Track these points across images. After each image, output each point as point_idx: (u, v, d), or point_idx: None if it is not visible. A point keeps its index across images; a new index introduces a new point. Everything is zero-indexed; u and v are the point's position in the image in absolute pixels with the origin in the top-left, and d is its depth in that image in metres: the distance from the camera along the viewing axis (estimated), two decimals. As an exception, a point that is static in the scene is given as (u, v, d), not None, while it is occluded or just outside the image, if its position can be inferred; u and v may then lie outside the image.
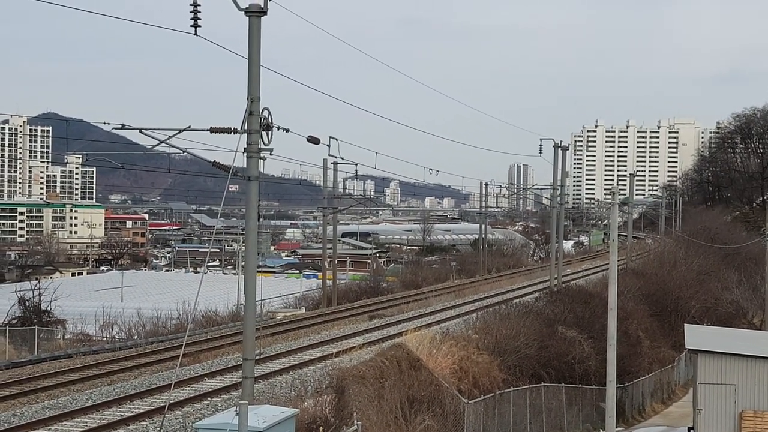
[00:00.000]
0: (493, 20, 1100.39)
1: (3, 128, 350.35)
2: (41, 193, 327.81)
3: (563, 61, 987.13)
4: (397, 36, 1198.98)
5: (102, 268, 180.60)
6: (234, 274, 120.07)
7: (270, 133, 24.00)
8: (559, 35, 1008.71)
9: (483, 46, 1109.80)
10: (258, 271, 25.63)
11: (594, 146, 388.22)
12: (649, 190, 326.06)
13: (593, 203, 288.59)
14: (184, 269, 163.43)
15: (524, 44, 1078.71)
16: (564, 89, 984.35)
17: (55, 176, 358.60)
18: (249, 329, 24.51)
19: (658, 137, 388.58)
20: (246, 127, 23.63)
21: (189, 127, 25.01)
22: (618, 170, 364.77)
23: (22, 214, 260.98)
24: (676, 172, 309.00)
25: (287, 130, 25.55)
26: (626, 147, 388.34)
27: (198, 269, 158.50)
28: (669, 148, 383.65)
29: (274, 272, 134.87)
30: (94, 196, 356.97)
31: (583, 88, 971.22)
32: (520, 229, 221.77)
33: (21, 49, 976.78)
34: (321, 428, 23.66)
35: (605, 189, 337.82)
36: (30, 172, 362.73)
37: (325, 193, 70.45)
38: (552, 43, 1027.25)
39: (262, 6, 23.77)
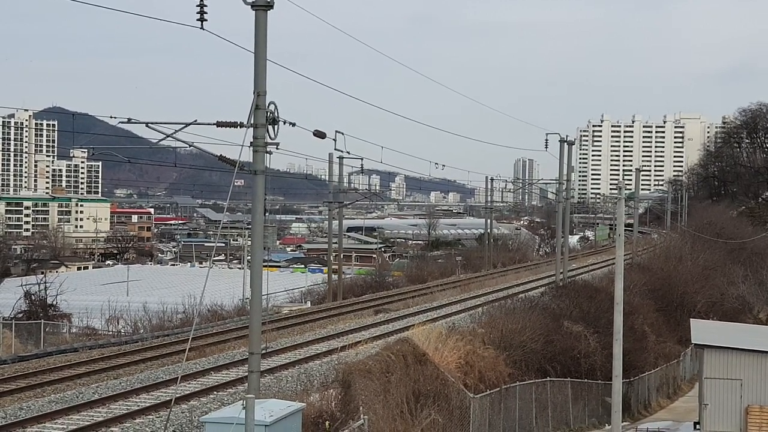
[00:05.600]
0: (500, 17, 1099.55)
1: (9, 122, 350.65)
2: (47, 188, 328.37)
3: (569, 57, 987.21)
4: (406, 32, 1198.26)
5: (107, 262, 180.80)
6: (239, 268, 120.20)
7: (276, 127, 23.95)
8: (566, 31, 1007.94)
9: (489, 42, 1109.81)
10: (263, 266, 25.61)
11: (600, 141, 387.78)
12: (654, 185, 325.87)
13: (599, 198, 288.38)
14: (189, 263, 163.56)
15: (530, 40, 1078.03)
16: (570, 84, 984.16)
17: (60, 170, 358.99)
18: (255, 323, 24.50)
19: (663, 132, 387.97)
20: (252, 122, 23.57)
21: (195, 121, 24.98)
22: (623, 165, 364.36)
23: (27, 208, 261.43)
24: (681, 167, 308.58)
25: (293, 125, 25.51)
26: (632, 142, 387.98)
27: (203, 263, 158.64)
28: (675, 142, 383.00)
29: (279, 267, 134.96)
30: (99, 190, 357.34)
31: (588, 83, 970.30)
32: (526, 224, 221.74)
33: (27, 45, 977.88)
34: (327, 422, 23.67)
35: (611, 184, 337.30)
36: (36, 166, 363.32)
37: (331, 188, 70.46)
38: (558, 39, 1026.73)
39: (269, 0, 23.72)
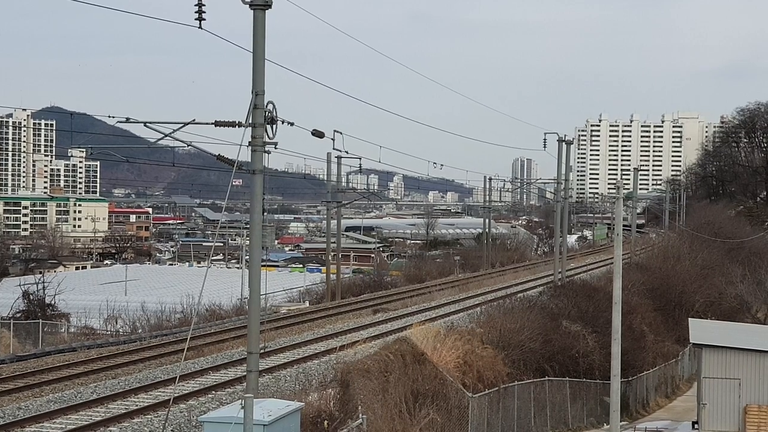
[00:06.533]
0: (499, 16, 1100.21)
1: (7, 122, 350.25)
2: (45, 187, 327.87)
3: (567, 56, 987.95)
4: (405, 31, 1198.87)
5: (106, 261, 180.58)
6: (238, 268, 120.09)
7: (275, 126, 23.93)
8: (564, 30, 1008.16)
9: (488, 41, 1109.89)
10: (262, 265, 25.59)
11: (598, 141, 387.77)
12: (653, 184, 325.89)
13: (597, 197, 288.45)
14: (187, 263, 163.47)
15: (528, 40, 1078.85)
16: (568, 84, 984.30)
17: (59, 170, 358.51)
18: (253, 323, 24.49)
19: (662, 132, 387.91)
20: (251, 121, 23.56)
21: (194, 120, 24.94)
22: (622, 165, 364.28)
23: (26, 208, 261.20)
24: (679, 166, 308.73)
25: (292, 124, 25.49)
26: (630, 141, 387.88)
27: (202, 263, 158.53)
28: (673, 142, 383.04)
29: (277, 266, 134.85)
30: (97, 189, 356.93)
31: (587, 82, 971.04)
32: (524, 223, 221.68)
33: (26, 44, 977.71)
34: (326, 422, 23.66)
35: (609, 183, 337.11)
36: (34, 165, 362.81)
37: (329, 187, 70.40)
38: (556, 38, 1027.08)
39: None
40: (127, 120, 26.42)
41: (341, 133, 38.52)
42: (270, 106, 23.74)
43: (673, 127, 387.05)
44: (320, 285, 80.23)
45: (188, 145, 26.65)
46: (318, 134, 28.46)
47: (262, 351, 28.40)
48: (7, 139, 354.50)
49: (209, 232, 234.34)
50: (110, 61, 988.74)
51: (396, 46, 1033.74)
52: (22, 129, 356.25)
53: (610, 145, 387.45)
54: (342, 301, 63.89)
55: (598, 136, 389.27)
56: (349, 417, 23.82)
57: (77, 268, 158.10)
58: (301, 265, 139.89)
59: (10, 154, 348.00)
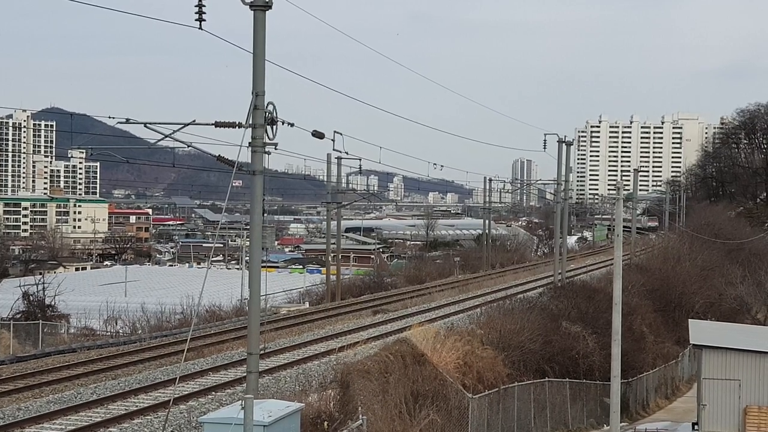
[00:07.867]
0: (499, 16, 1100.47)
1: (7, 123, 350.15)
2: (45, 188, 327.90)
3: (567, 57, 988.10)
4: (405, 31, 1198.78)
5: (105, 262, 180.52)
6: (238, 269, 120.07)
7: (275, 127, 23.91)
8: (564, 30, 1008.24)
9: (488, 41, 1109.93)
10: (262, 266, 25.57)
11: (597, 142, 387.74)
12: (653, 185, 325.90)
13: (597, 198, 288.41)
14: (187, 264, 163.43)
15: (528, 40, 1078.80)
16: (568, 84, 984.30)
17: (58, 171, 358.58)
18: (253, 324, 24.47)
19: (662, 133, 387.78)
20: (251, 122, 23.55)
21: (194, 121, 24.92)
22: (622, 166, 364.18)
23: (26, 208, 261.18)
24: (679, 167, 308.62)
25: (292, 125, 25.47)
26: (630, 142, 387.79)
27: (201, 264, 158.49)
28: (673, 143, 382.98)
29: (277, 267, 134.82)
30: (97, 190, 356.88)
31: (587, 83, 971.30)
32: (524, 224, 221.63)
33: (25, 44, 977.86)
34: (326, 423, 23.64)
35: (609, 184, 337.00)
36: (34, 166, 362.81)
37: (329, 188, 70.39)
38: (556, 38, 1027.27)
39: (267, 0, 23.69)
40: (127, 121, 26.42)
41: (341, 134, 38.55)
42: (270, 107, 23.73)
43: (673, 128, 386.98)
44: (320, 286, 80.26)
45: (188, 146, 26.64)
46: (318, 135, 28.44)
47: (262, 352, 28.42)
48: (7, 140, 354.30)
49: (209, 233, 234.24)
50: (111, 61, 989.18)
51: (396, 47, 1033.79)
52: (22, 130, 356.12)
53: (609, 146, 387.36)
54: (342, 302, 63.88)
55: (598, 137, 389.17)
56: (349, 418, 23.80)
57: (77, 269, 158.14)
58: (301, 266, 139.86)
59: (10, 155, 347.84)
